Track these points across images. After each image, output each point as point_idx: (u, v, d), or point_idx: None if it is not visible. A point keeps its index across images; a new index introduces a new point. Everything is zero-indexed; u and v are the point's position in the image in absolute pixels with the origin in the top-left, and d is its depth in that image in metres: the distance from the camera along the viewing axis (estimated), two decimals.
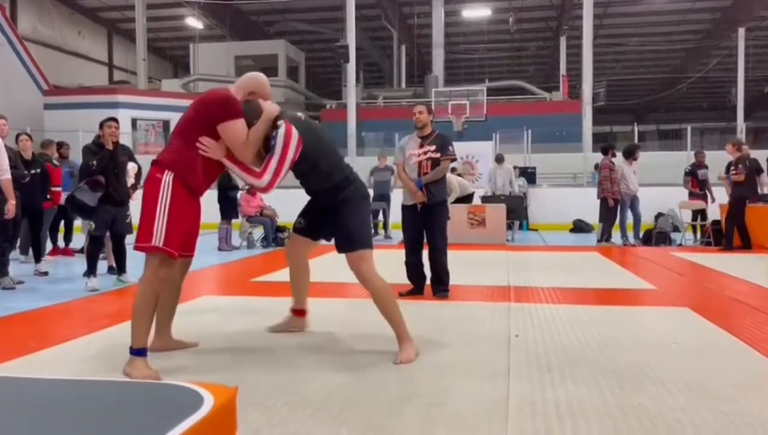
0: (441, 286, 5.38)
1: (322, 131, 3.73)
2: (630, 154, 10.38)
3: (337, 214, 3.52)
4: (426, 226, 5.34)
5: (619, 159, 10.42)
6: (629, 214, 10.56)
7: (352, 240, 3.46)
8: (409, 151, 5.38)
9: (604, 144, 11.41)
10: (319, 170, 3.47)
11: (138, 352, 3.11)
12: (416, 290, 5.45)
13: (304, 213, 3.85)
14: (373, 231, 12.40)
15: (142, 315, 3.13)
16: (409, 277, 5.48)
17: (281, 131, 3.34)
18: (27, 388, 1.56)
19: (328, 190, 3.52)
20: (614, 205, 10.16)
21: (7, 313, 4.85)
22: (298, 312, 4.09)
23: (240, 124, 3.21)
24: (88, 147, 6.15)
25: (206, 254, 9.48)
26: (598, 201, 10.44)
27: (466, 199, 11.26)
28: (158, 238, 3.07)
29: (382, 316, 3.49)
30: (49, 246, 8.87)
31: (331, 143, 3.67)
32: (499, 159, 13.05)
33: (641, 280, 6.52)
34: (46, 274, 7.11)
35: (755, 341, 3.80)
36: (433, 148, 5.28)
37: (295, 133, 3.36)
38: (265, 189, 3.37)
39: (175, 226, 3.10)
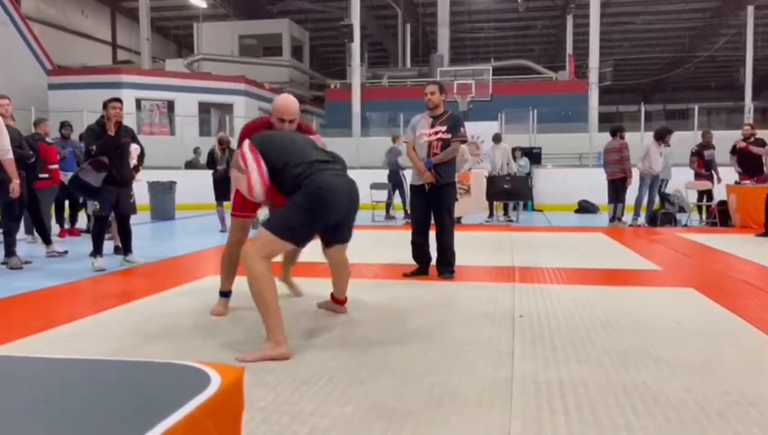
0: (447, 267, 5.38)
1: (287, 134, 3.58)
2: (660, 137, 10.37)
3: None
4: (434, 207, 5.32)
5: (647, 139, 10.55)
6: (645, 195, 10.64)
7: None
8: (419, 131, 5.34)
9: (613, 125, 11.43)
10: (286, 173, 3.27)
11: None
12: (421, 271, 5.46)
13: None
14: (386, 212, 12.38)
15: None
16: (414, 256, 5.48)
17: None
18: (32, 367, 1.57)
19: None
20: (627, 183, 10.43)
21: (15, 292, 4.88)
22: (338, 301, 4.10)
23: None
24: (90, 128, 6.13)
25: (210, 235, 9.51)
26: (608, 182, 10.55)
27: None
28: None
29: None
30: (56, 228, 8.89)
31: (294, 145, 3.40)
32: (496, 138, 13.02)
33: (646, 260, 6.51)
34: (65, 253, 7.05)
35: (760, 321, 3.80)
36: (444, 128, 5.23)
37: (244, 145, 3.38)
38: (258, 199, 3.47)
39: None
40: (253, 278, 3.09)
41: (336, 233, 3.60)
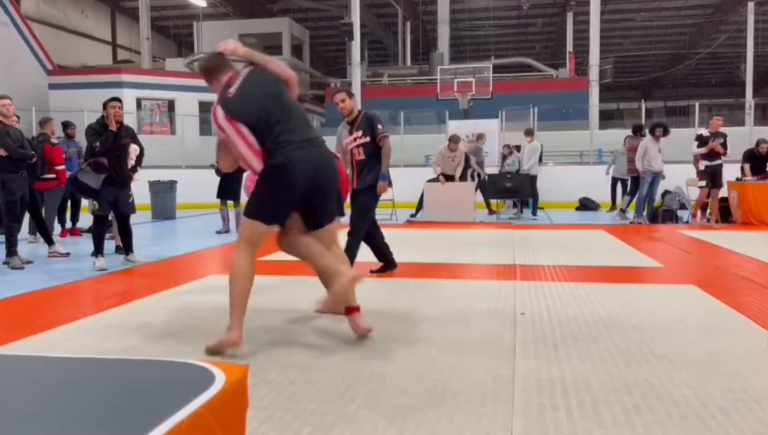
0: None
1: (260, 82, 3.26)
2: (652, 132, 10.39)
3: None
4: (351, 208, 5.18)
5: (647, 136, 10.66)
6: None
7: None
8: (344, 142, 5.31)
9: (635, 123, 11.74)
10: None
11: None
12: (385, 268, 5.45)
13: None
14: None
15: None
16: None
17: None
18: (35, 366, 1.58)
19: None
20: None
21: (17, 292, 4.89)
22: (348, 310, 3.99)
23: None
24: (91, 127, 6.14)
25: (211, 234, 9.51)
26: (630, 179, 11.14)
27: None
28: None
29: None
30: (58, 227, 8.89)
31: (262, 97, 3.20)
32: (528, 133, 12.72)
33: (647, 257, 6.51)
34: (68, 254, 7.00)
35: (762, 318, 3.80)
36: (360, 133, 5.15)
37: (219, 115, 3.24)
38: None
39: None
40: (231, 272, 3.22)
41: (315, 213, 3.33)
